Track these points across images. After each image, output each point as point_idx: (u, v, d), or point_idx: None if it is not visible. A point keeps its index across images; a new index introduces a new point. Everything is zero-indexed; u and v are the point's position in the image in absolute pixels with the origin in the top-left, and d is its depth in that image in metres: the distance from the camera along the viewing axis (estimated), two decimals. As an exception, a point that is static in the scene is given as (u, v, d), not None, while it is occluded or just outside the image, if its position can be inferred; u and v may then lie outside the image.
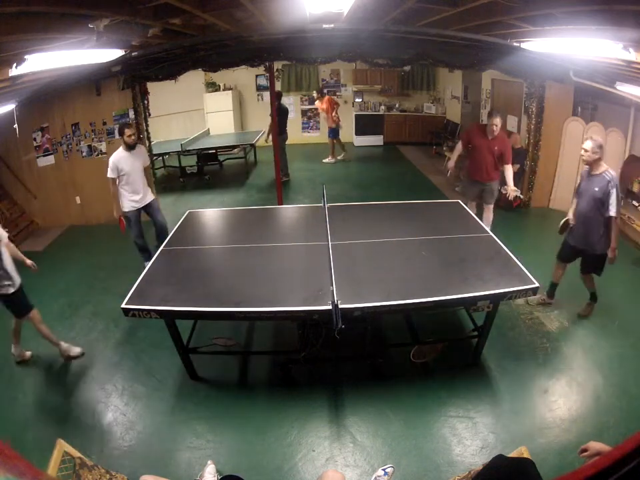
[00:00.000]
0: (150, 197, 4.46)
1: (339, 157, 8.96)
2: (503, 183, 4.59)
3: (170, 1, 2.60)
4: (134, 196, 4.27)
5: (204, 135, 8.86)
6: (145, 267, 3.07)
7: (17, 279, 3.02)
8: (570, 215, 3.50)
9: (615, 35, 2.51)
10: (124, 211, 4.28)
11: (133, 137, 4.16)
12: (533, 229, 5.55)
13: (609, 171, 3.22)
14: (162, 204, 6.40)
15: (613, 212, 3.15)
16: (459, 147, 4.66)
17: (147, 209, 4.45)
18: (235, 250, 3.40)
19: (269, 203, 6.09)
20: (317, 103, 8.76)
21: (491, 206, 4.71)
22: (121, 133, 4.18)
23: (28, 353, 3.34)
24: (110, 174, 4.12)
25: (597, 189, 3.22)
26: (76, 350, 3.35)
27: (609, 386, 2.86)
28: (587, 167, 3.35)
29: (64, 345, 3.32)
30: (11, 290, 2.97)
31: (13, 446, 0.54)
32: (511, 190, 4.33)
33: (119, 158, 4.14)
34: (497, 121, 4.29)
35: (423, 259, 3.03)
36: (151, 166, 6.61)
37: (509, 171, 4.41)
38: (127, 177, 4.18)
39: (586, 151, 3.21)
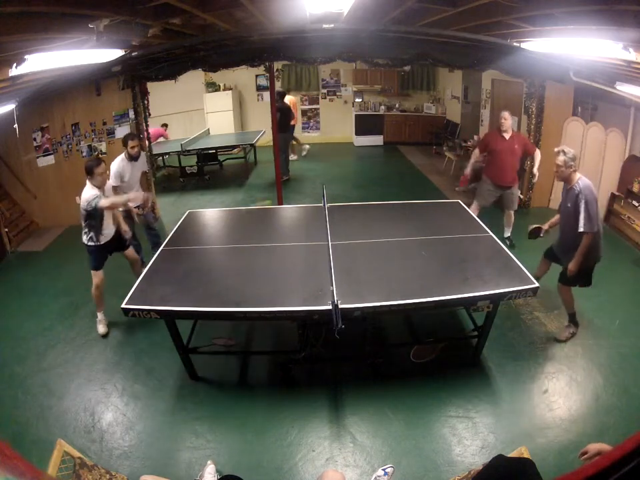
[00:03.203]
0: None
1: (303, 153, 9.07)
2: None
3: (170, 1, 2.60)
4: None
5: (204, 135, 8.85)
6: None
7: (103, 239, 3.52)
8: (545, 225, 3.42)
9: (615, 35, 2.51)
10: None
11: (136, 149, 4.11)
12: (533, 229, 5.54)
13: (580, 181, 2.99)
14: (162, 204, 6.46)
15: (581, 227, 2.92)
16: (477, 152, 4.72)
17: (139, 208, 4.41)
18: (235, 250, 3.40)
19: (268, 203, 6.09)
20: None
21: (512, 211, 4.81)
22: (125, 144, 4.09)
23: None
24: (113, 182, 4.04)
25: (569, 205, 3.04)
26: (102, 328, 3.65)
27: (609, 386, 2.86)
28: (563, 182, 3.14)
29: (100, 316, 3.67)
30: (91, 243, 3.48)
31: (13, 446, 0.54)
32: (535, 171, 4.53)
33: (122, 167, 4.08)
34: (506, 114, 4.47)
35: (422, 258, 3.03)
36: (151, 167, 6.62)
37: (538, 156, 4.58)
38: (126, 184, 4.14)
39: (559, 166, 3.00)
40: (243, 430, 2.67)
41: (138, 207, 4.31)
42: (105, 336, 3.58)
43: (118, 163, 4.08)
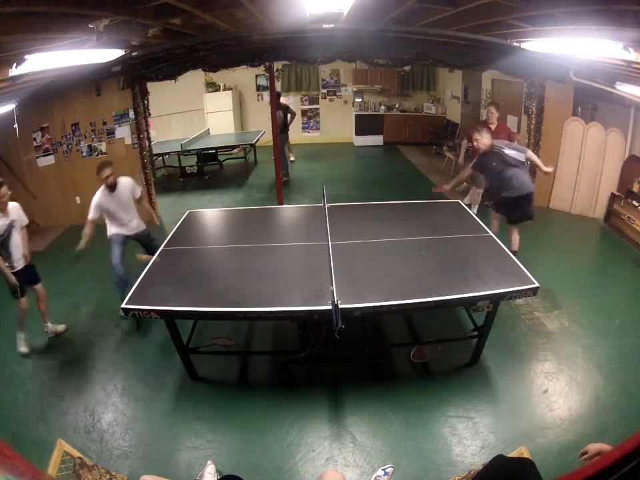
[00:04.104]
0: (141, 226, 3.92)
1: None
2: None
3: (170, 1, 2.61)
4: (120, 228, 3.82)
5: (204, 135, 8.85)
6: (121, 299, 2.87)
7: (17, 264, 3.29)
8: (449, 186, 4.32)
9: (615, 35, 2.51)
10: (109, 234, 3.83)
11: (110, 179, 3.60)
12: (533, 229, 5.51)
13: (492, 142, 3.92)
14: (162, 204, 6.45)
15: (522, 157, 3.84)
16: (465, 143, 5.44)
17: (140, 239, 3.92)
18: (235, 250, 3.40)
19: (268, 203, 6.09)
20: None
21: None
22: (98, 173, 3.61)
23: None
24: (91, 215, 3.62)
25: (495, 164, 3.83)
26: (60, 327, 3.66)
27: (609, 386, 2.86)
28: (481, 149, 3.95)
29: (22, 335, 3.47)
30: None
31: (12, 446, 0.54)
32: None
33: (103, 201, 3.65)
34: (492, 109, 5.08)
35: (422, 258, 3.03)
36: (152, 167, 6.62)
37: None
38: (112, 214, 3.75)
39: (477, 140, 3.92)
40: (243, 430, 2.67)
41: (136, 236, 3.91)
42: (27, 355, 3.39)
43: (98, 196, 3.66)
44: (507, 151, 3.77)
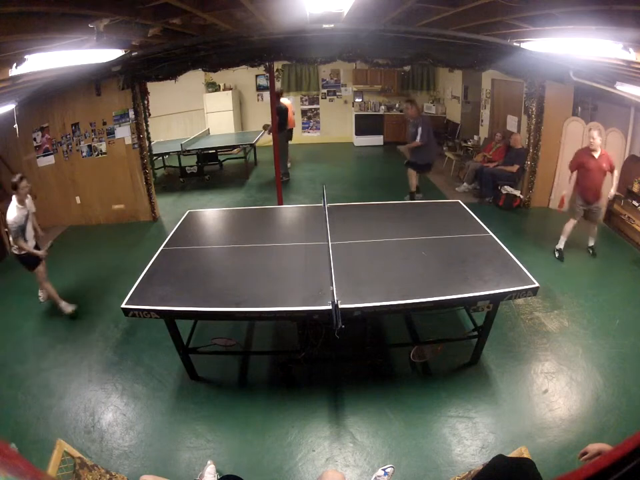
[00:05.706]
0: None
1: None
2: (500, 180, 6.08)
3: (170, 1, 2.61)
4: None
5: (204, 135, 8.85)
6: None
7: (31, 244, 3.69)
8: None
9: (615, 35, 2.51)
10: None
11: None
12: (533, 229, 5.55)
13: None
14: (162, 204, 6.46)
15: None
16: (573, 176, 4.49)
17: None
18: (235, 250, 3.40)
19: (268, 203, 6.09)
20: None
21: (596, 224, 4.67)
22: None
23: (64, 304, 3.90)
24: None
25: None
26: (69, 308, 3.89)
27: (609, 386, 2.86)
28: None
29: (62, 303, 3.89)
30: (23, 252, 3.61)
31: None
32: (613, 192, 4.58)
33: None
34: (594, 134, 4.28)
35: (423, 259, 3.03)
36: (152, 167, 6.61)
37: (616, 176, 4.50)
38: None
39: (407, 108, 5.97)
40: (243, 430, 2.67)
41: None
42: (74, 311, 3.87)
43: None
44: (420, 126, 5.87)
